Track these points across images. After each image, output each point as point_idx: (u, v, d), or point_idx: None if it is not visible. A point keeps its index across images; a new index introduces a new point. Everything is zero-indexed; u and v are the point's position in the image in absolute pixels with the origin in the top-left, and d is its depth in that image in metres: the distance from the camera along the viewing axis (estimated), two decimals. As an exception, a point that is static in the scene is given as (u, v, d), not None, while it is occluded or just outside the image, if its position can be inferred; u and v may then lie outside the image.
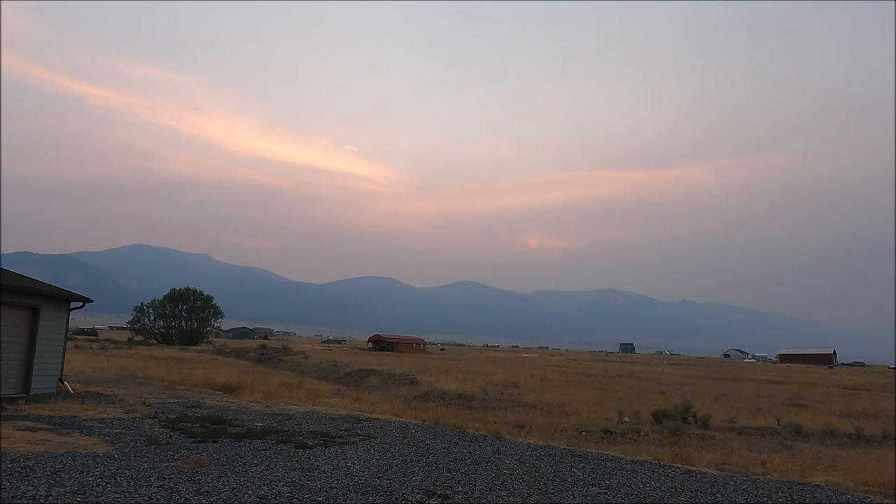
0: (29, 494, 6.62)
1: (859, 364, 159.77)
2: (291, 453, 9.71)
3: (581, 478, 8.89)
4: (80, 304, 17.83)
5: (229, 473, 8.07)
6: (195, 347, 72.53)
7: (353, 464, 9.10)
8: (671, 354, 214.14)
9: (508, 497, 7.57)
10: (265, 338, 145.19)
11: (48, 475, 7.49)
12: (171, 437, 10.67)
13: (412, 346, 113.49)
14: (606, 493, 7.99)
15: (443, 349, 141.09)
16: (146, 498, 6.74)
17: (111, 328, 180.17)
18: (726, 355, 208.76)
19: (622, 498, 7.79)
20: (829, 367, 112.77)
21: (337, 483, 7.83)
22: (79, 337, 78.51)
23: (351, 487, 7.64)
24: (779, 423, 19.81)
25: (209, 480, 7.62)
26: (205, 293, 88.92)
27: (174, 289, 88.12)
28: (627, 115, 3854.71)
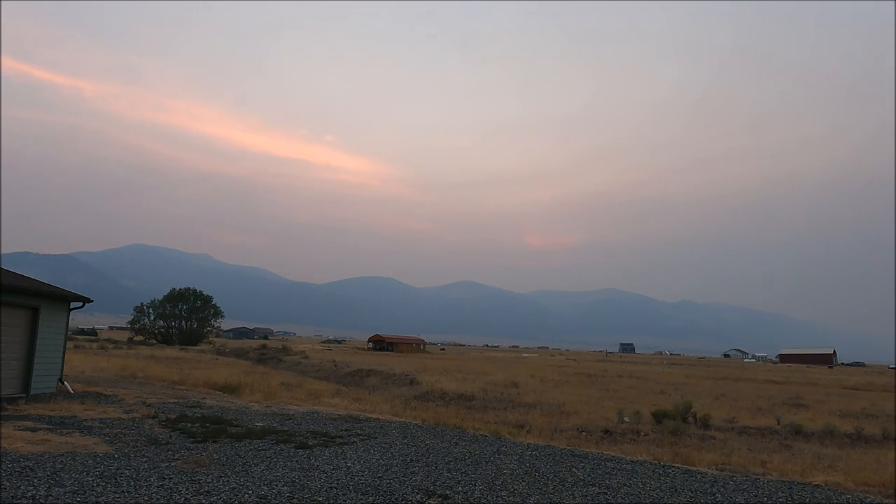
0: (29, 494, 6.62)
1: (859, 364, 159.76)
2: (291, 453, 9.70)
3: (581, 478, 8.89)
4: (80, 304, 17.83)
5: (229, 473, 8.07)
6: (195, 347, 72.52)
7: (353, 464, 9.10)
8: (671, 354, 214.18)
9: (508, 497, 7.57)
10: (265, 338, 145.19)
11: (48, 475, 7.49)
12: (171, 437, 10.67)
13: (412, 346, 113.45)
14: (606, 493, 7.99)
15: (443, 349, 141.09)
16: (146, 498, 6.74)
17: (111, 328, 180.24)
18: (726, 355, 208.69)
19: (622, 498, 7.79)
20: (829, 367, 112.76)
21: (337, 483, 7.83)
22: (79, 337, 78.54)
23: (351, 487, 7.64)
24: (779, 423, 19.81)
25: (209, 480, 7.62)
26: (205, 293, 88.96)
27: (174, 289, 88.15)
28: (625, 113, 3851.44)
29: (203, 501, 6.72)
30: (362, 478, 8.21)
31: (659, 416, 19.28)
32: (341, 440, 11.19)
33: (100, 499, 6.63)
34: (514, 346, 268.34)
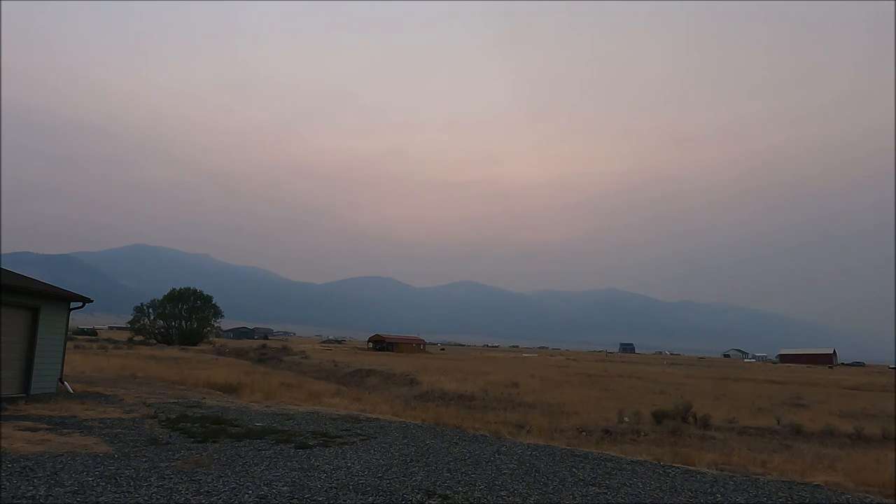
0: (29, 494, 6.62)
1: (859, 364, 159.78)
2: (291, 453, 9.70)
3: (581, 478, 8.89)
4: (80, 304, 17.83)
5: (229, 473, 8.06)
6: (195, 347, 72.55)
7: (353, 464, 9.10)
8: (671, 354, 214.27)
9: (508, 497, 7.57)
10: (265, 338, 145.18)
11: (48, 475, 7.49)
12: (171, 437, 10.67)
13: (412, 346, 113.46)
14: (606, 493, 7.98)
15: (443, 349, 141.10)
16: (146, 498, 6.74)
17: (111, 328, 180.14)
18: (726, 355, 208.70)
19: (622, 498, 7.79)
20: (829, 367, 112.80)
21: (337, 483, 7.83)
22: (79, 337, 78.49)
23: (351, 487, 7.64)
24: (779, 423, 19.82)
25: (209, 480, 7.62)
26: (204, 293, 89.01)
27: (174, 289, 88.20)
28: (619, 116, 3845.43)
29: (203, 501, 6.72)
30: (362, 478, 8.20)
31: (659, 416, 19.29)
32: (341, 440, 11.19)
33: (100, 499, 6.63)
34: (514, 346, 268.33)
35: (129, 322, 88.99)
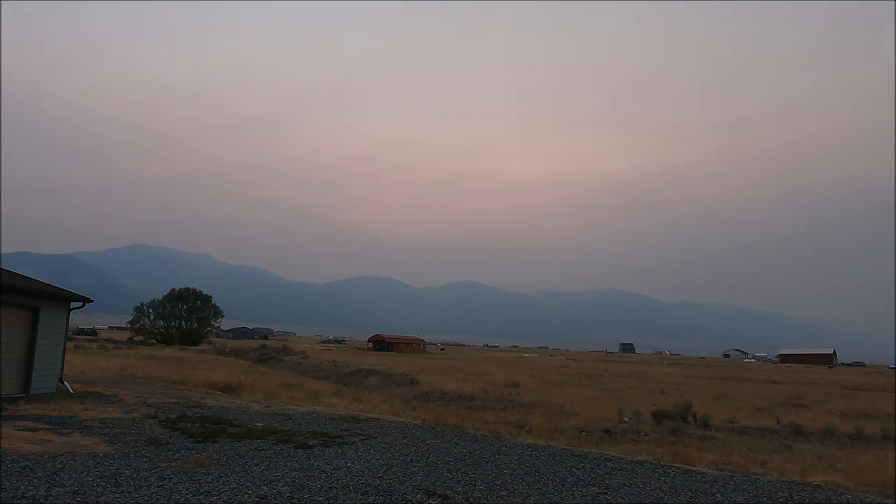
0: (29, 494, 6.62)
1: (859, 364, 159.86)
2: (291, 453, 9.70)
3: (581, 478, 8.89)
4: (80, 304, 17.84)
5: (229, 473, 8.06)
6: (195, 347, 72.57)
7: (353, 464, 9.10)
8: (671, 354, 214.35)
9: (508, 497, 7.57)
10: (265, 338, 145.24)
11: (48, 475, 7.49)
12: (171, 437, 10.67)
13: (412, 346, 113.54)
14: (606, 493, 7.98)
15: (443, 349, 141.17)
16: (146, 498, 6.74)
17: (111, 328, 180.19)
18: (726, 355, 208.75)
19: (622, 498, 7.79)
20: (829, 367, 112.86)
21: (337, 483, 7.83)
22: (79, 337, 78.50)
23: (351, 487, 7.64)
24: (779, 423, 19.83)
25: (209, 480, 7.62)
26: (204, 293, 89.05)
27: (174, 289, 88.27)
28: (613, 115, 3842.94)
29: (203, 501, 6.72)
30: (362, 478, 8.21)
31: (659, 416, 19.30)
32: (341, 440, 11.19)
33: (100, 499, 6.63)
34: (514, 346, 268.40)
35: (129, 322, 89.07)
